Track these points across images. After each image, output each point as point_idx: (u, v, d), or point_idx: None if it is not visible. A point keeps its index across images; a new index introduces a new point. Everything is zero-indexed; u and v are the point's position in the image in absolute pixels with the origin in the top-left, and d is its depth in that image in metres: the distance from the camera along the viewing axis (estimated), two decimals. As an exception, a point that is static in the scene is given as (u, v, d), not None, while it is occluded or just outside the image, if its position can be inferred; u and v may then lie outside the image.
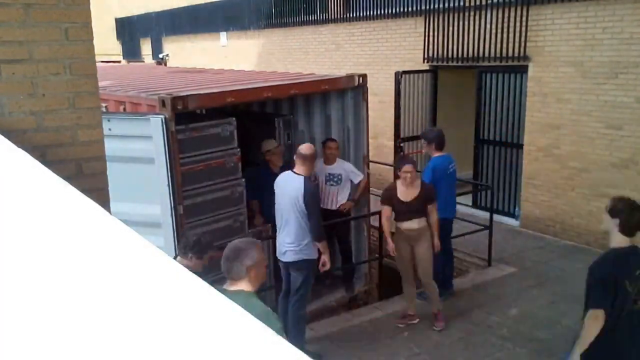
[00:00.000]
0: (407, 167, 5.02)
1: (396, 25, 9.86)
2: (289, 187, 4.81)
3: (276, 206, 4.98)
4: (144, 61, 19.47)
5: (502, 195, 8.44)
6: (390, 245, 5.20)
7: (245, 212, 5.77)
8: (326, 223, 5.61)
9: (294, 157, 5.02)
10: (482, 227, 6.96)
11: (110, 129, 4.40)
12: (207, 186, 5.41)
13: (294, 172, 4.85)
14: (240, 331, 0.65)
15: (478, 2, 8.22)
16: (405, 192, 5.10)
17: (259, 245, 3.05)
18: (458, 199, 8.44)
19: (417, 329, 5.35)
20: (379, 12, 10.21)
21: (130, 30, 20.96)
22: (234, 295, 2.77)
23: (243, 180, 5.69)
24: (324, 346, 5.19)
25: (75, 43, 2.16)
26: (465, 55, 8.54)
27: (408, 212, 5.10)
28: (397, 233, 5.30)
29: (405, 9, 9.56)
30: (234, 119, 5.64)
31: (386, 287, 6.87)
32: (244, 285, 2.87)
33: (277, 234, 5.03)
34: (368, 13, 10.46)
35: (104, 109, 5.29)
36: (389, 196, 5.21)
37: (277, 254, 5.02)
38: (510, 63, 7.94)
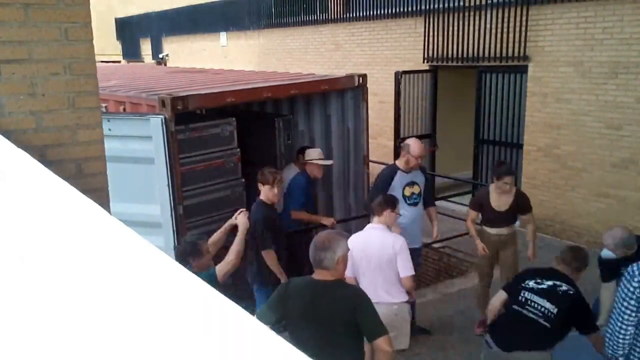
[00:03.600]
0: (508, 179, 4.91)
1: (396, 25, 9.86)
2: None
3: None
4: (144, 61, 19.48)
5: (502, 195, 8.44)
6: (480, 245, 5.12)
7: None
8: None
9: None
10: (483, 227, 6.96)
11: (110, 129, 4.41)
12: (207, 186, 5.40)
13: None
14: (242, 331, 0.65)
15: (478, 2, 8.22)
16: (499, 200, 5.03)
17: (346, 237, 3.14)
18: (459, 199, 8.49)
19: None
20: (379, 12, 10.21)
21: (130, 30, 20.96)
22: (341, 284, 3.02)
23: (243, 180, 5.68)
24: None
25: (75, 43, 2.16)
26: (465, 55, 8.54)
27: (500, 220, 5.07)
28: (484, 236, 5.20)
29: (405, 9, 9.56)
30: (234, 119, 5.64)
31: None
32: (329, 275, 2.94)
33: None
34: (368, 13, 10.46)
35: (104, 109, 5.29)
36: (479, 203, 5.21)
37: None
38: (510, 63, 7.94)
